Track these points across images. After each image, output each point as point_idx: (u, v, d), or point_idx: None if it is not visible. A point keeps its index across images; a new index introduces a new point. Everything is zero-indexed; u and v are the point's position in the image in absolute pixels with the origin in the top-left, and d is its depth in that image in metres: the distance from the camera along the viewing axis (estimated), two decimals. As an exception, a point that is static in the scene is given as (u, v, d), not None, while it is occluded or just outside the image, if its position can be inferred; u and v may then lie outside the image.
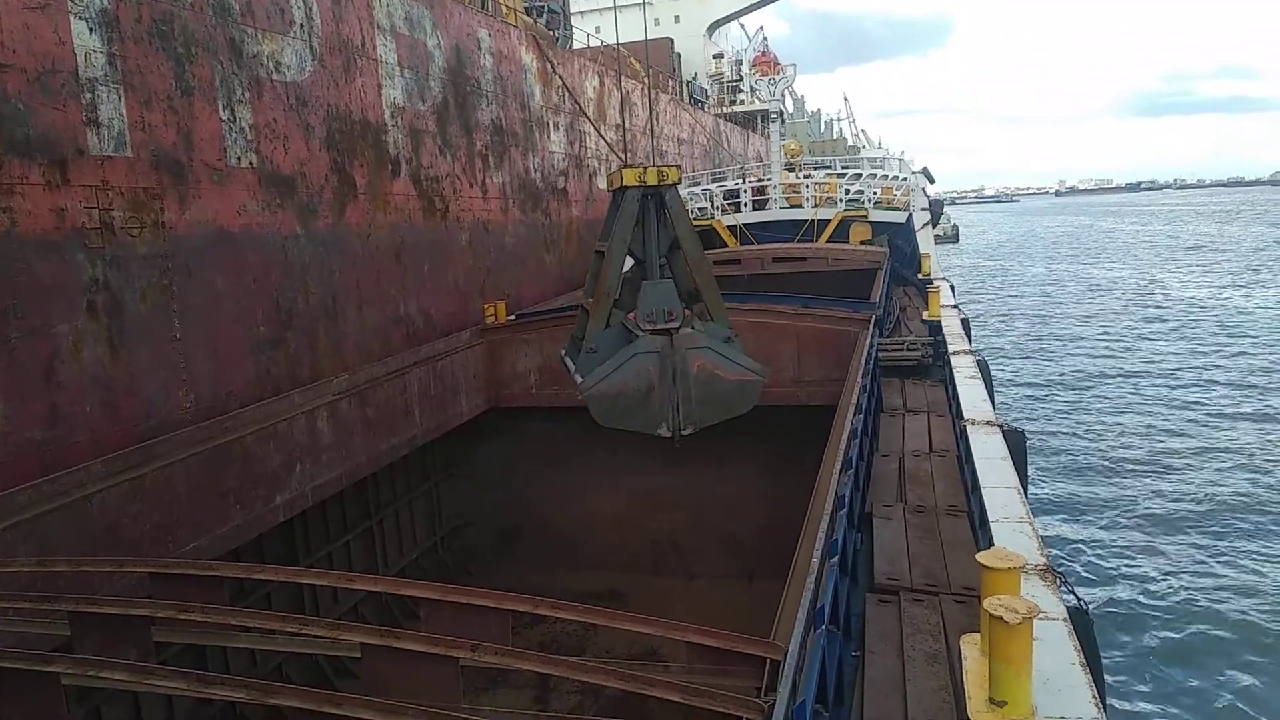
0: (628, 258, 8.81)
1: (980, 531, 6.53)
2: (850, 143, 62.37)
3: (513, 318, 15.22)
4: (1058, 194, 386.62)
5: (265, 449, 9.38)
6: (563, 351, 9.64)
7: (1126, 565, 16.27)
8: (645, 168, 8.55)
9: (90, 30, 8.65)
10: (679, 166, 9.21)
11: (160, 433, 8.72)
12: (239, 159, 10.64)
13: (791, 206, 27.95)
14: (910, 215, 25.73)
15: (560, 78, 21.38)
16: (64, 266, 8.32)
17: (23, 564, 6.04)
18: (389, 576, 11.65)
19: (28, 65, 8.01)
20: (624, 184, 8.51)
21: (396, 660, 4.07)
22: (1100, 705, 3.89)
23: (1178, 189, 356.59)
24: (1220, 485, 19.95)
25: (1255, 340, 37.07)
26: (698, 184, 30.78)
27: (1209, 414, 26.10)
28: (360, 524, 12.30)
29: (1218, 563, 15.98)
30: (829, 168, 35.16)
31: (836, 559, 5.15)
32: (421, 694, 3.84)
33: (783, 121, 37.78)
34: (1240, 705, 11.81)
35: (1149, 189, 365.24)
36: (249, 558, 9.58)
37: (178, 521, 8.15)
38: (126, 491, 7.64)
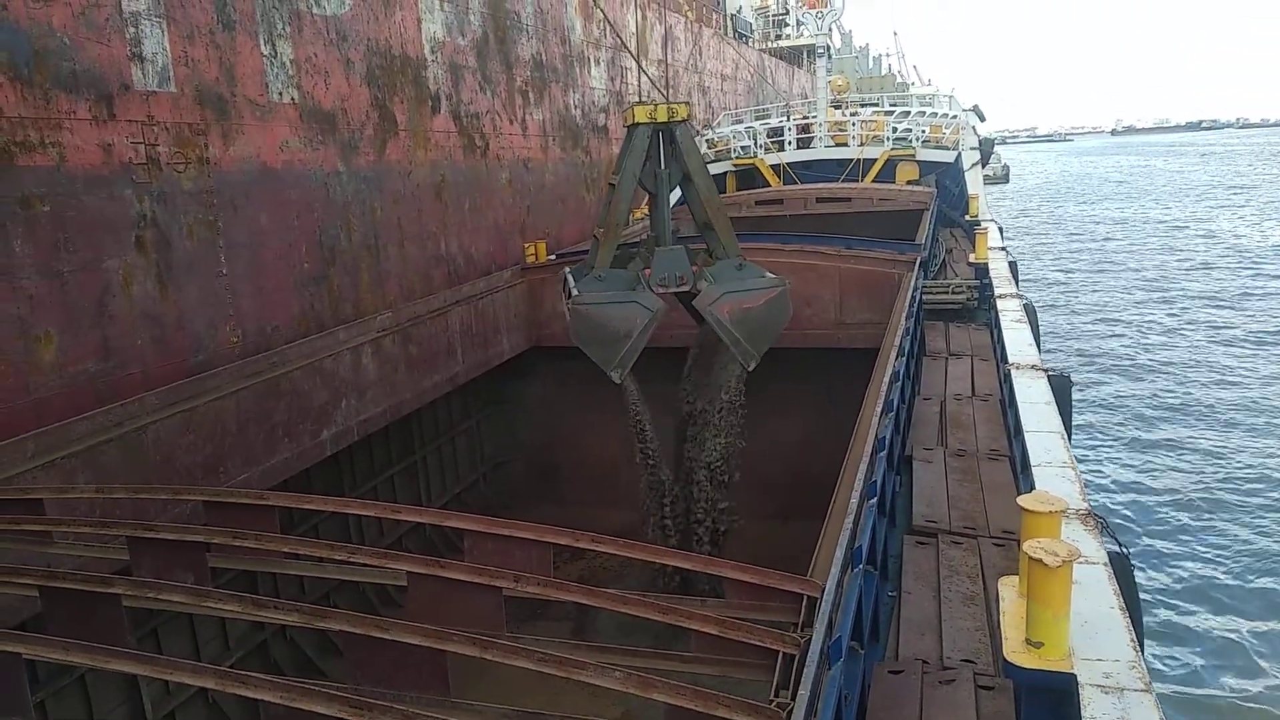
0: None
1: (1021, 476, 6.47)
2: (899, 80, 60.71)
3: (553, 257, 15.21)
4: (1114, 133, 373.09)
5: (312, 384, 9.56)
6: (568, 269, 10.05)
7: (1169, 512, 16.09)
8: (656, 105, 9.01)
9: (133, -36, 8.63)
10: (688, 103, 9.53)
11: (208, 367, 8.92)
12: (280, 94, 10.64)
13: (837, 145, 27.36)
14: (959, 155, 25.07)
15: (601, 11, 20.97)
16: (112, 202, 8.45)
17: (82, 491, 6.25)
18: (434, 509, 11.92)
19: (73, -1, 8.04)
20: (635, 120, 8.96)
21: (442, 589, 4.17)
22: (1138, 649, 3.87)
23: (1240, 128, 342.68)
24: (1269, 435, 19.53)
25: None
26: (740, 121, 30.20)
27: (1260, 363, 25.43)
28: (404, 459, 12.52)
29: (1261, 511, 15.73)
30: (876, 105, 34.28)
31: (875, 500, 5.15)
32: (465, 622, 3.93)
33: (830, 57, 36.81)
34: (1278, 652, 11.73)
35: (1209, 128, 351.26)
36: (297, 491, 9.83)
37: (229, 453, 8.37)
38: (179, 423, 7.85)
